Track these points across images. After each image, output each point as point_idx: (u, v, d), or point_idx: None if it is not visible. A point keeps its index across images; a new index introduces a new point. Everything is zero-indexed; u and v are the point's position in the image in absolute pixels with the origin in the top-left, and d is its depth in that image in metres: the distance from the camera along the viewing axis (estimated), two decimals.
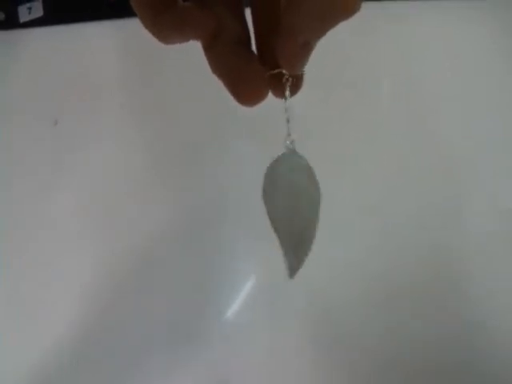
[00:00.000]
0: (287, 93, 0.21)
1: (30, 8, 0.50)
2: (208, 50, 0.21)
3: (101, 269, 0.46)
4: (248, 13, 0.22)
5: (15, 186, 0.50)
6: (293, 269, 0.24)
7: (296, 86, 0.22)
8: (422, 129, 0.44)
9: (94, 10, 0.49)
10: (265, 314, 0.43)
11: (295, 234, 0.23)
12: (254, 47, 0.22)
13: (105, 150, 0.49)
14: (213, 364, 0.42)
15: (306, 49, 0.19)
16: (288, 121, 0.23)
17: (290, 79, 0.21)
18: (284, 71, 0.21)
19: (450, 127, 0.44)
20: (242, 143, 0.46)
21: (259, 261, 0.44)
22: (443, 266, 0.42)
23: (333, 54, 0.43)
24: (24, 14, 0.50)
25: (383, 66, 0.45)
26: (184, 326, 0.43)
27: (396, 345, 0.41)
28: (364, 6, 0.46)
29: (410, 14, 0.45)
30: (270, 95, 0.22)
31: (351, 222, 0.43)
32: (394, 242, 0.42)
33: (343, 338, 0.41)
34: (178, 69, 0.48)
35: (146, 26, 0.20)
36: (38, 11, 0.49)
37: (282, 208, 0.23)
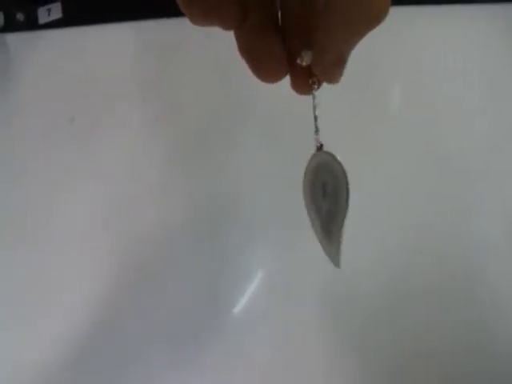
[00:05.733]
0: (314, 93, 0.22)
1: (49, 10, 0.51)
2: (235, 31, 0.22)
3: (110, 264, 0.47)
4: None
5: (28, 184, 0.51)
6: (334, 258, 0.24)
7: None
8: (433, 133, 0.44)
9: (112, 11, 0.51)
10: (275, 308, 0.43)
11: (325, 224, 0.24)
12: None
13: (118, 148, 0.50)
14: (222, 358, 0.42)
15: (342, 61, 0.20)
16: (316, 119, 0.23)
17: (317, 82, 0.22)
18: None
19: (459, 130, 0.44)
20: (252, 142, 0.46)
21: (270, 256, 0.44)
22: (457, 269, 0.41)
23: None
24: (43, 15, 0.51)
25: (393, 71, 0.46)
26: (194, 320, 0.44)
27: (409, 342, 0.41)
28: None
29: (421, 19, 0.45)
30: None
31: (363, 224, 0.43)
32: (406, 244, 0.42)
33: (354, 336, 0.42)
34: (191, 69, 0.49)
35: (182, 10, 0.20)
36: (57, 13, 0.50)
37: (312, 203, 0.24)
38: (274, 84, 0.22)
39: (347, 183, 0.23)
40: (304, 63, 0.21)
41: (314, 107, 0.23)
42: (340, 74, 0.21)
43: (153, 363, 0.44)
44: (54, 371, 0.45)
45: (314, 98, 0.23)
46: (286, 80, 0.23)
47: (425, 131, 0.44)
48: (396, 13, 0.45)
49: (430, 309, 0.41)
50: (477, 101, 0.44)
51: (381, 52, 0.45)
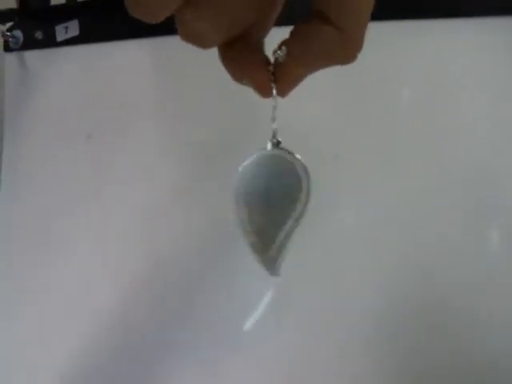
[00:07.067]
0: (274, 91, 0.22)
1: (66, 27, 0.52)
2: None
3: (126, 276, 0.48)
4: None
5: (49, 197, 0.52)
6: (269, 265, 0.24)
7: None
8: (441, 142, 0.43)
9: (127, 28, 0.51)
10: (281, 326, 0.43)
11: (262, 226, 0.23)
12: None
13: (132, 160, 0.51)
14: (230, 377, 0.43)
15: (300, 80, 0.22)
16: (274, 120, 0.23)
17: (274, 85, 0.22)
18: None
19: (463, 140, 0.43)
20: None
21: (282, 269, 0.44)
22: (468, 284, 0.41)
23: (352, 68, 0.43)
24: (61, 33, 0.52)
25: (399, 82, 0.46)
26: (203, 338, 0.44)
27: (420, 364, 0.40)
28: (384, 24, 0.47)
29: (428, 33, 0.45)
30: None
31: (367, 233, 0.43)
32: (415, 255, 0.42)
33: (358, 353, 0.41)
34: (206, 85, 0.50)
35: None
36: (74, 30, 0.51)
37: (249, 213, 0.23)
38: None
39: (308, 186, 0.22)
40: (280, 59, 0.21)
41: (274, 108, 0.23)
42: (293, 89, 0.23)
43: (169, 373, 0.44)
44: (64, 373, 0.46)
45: (275, 106, 0.23)
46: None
47: (430, 142, 0.43)
48: (406, 26, 0.45)
49: (444, 325, 0.41)
50: (483, 111, 0.44)
51: (388, 64, 0.45)
